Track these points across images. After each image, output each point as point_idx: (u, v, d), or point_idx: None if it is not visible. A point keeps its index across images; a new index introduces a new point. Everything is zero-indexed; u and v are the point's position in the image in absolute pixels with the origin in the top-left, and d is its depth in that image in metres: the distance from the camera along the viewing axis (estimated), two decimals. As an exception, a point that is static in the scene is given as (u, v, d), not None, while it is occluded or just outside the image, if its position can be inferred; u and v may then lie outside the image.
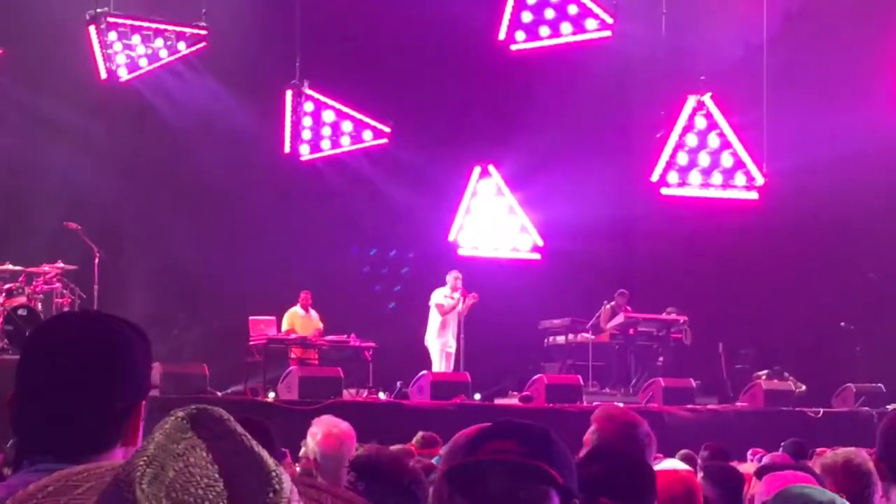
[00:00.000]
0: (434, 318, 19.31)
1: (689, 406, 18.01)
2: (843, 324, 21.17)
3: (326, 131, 21.83)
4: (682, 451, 9.61)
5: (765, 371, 20.85)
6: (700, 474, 6.56)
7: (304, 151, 21.78)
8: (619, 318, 20.40)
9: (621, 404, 17.20)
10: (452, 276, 19.38)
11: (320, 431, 6.06)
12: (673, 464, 5.93)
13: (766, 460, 7.14)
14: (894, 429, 3.76)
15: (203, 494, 1.27)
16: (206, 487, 1.27)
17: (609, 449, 4.31)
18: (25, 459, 2.33)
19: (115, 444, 2.34)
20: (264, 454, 1.31)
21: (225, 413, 1.32)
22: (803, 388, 20.37)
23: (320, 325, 19.05)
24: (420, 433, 10.22)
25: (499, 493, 2.51)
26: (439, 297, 19.29)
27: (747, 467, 6.39)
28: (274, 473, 1.29)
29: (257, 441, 1.32)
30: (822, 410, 18.42)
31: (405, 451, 6.26)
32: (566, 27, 21.16)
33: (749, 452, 10.42)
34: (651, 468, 3.94)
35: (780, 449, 9.30)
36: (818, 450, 8.74)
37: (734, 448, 10.50)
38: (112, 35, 19.95)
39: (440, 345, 19.20)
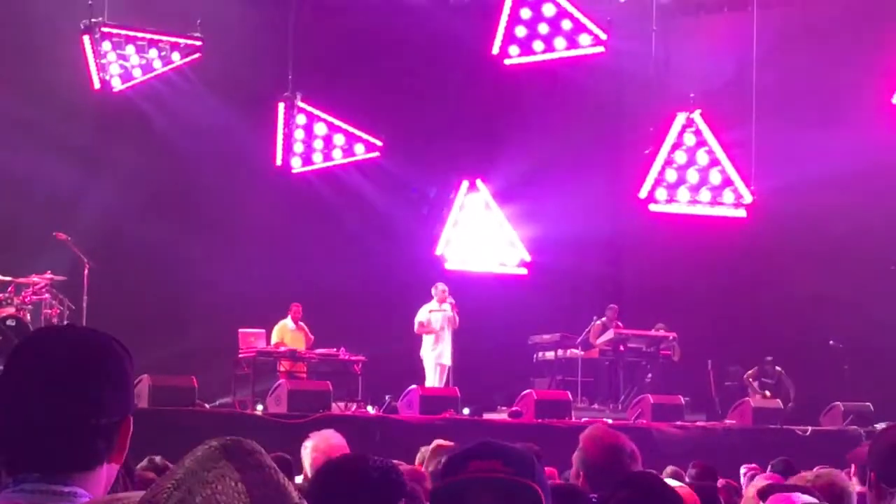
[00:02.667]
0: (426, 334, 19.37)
1: (677, 423, 18.02)
2: (831, 342, 21.22)
3: (318, 144, 21.86)
4: (669, 468, 9.61)
5: (754, 368, 20.94)
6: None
7: (296, 164, 21.81)
8: (609, 335, 20.43)
9: (610, 420, 17.31)
10: (438, 290, 19.41)
11: (310, 446, 6.08)
12: (672, 483, 5.96)
13: (758, 479, 7.15)
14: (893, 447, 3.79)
15: None
16: None
17: (637, 476, 4.34)
18: (10, 478, 2.27)
19: (103, 460, 2.30)
20: (290, 487, 1.35)
21: (257, 446, 1.35)
22: (791, 392, 20.61)
23: (310, 338, 19.06)
24: (423, 449, 10.04)
25: None
26: (423, 314, 19.30)
27: (756, 483, 6.39)
28: None
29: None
30: (810, 429, 18.44)
31: (415, 474, 6.17)
32: (560, 42, 21.20)
33: (743, 468, 10.42)
34: (677, 495, 3.97)
35: (769, 468, 9.31)
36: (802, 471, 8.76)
37: (722, 465, 10.51)
38: (106, 45, 19.94)
39: (433, 358, 19.23)
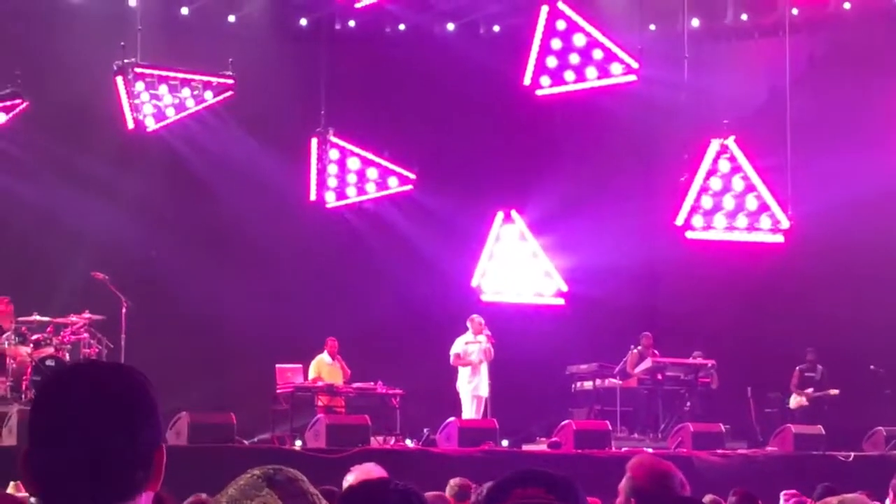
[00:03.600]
0: (462, 365, 19.35)
1: (718, 451, 17.89)
2: (871, 367, 21.06)
3: (352, 178, 21.91)
4: (709, 497, 9.50)
5: (796, 370, 20.86)
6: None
7: (330, 199, 21.86)
8: (647, 363, 20.33)
9: (650, 450, 17.19)
10: (474, 322, 19.37)
11: (351, 479, 6.05)
12: None
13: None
14: None
15: None
16: None
17: (685, 500, 4.32)
18: None
19: (142, 489, 2.30)
20: None
21: (299, 474, 1.36)
22: (836, 392, 20.63)
23: (347, 372, 19.06)
24: (452, 481, 10.07)
25: None
26: (459, 345, 19.28)
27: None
28: None
29: None
30: (852, 454, 18.26)
31: (440, 500, 6.19)
32: (591, 72, 21.17)
33: (782, 494, 10.32)
34: None
35: (815, 495, 9.22)
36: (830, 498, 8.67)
37: (764, 493, 10.42)
38: (139, 85, 20.08)
39: (470, 390, 19.18)
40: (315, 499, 1.37)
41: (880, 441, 18.91)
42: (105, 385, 2.34)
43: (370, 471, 6.11)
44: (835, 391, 20.82)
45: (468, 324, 19.41)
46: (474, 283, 22.09)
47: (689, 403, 20.53)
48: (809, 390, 20.93)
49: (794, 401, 21.00)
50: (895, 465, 16.69)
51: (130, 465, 2.29)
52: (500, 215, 22.52)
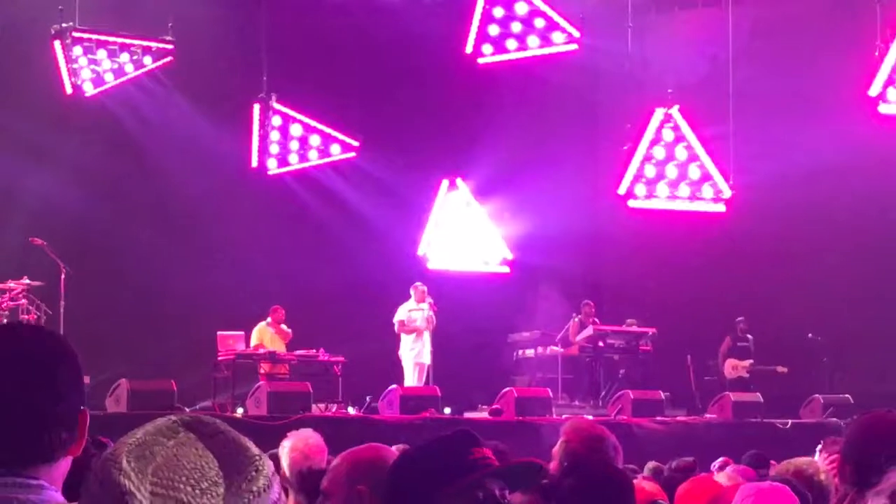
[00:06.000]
0: (405, 333, 19.39)
1: (658, 418, 18.06)
2: (809, 335, 21.29)
3: (294, 145, 21.77)
4: (651, 464, 9.59)
5: (726, 339, 21.04)
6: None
7: (272, 166, 21.72)
8: (588, 331, 20.45)
9: (591, 417, 17.29)
10: (417, 289, 19.48)
11: (288, 445, 6.03)
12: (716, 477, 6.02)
13: (729, 470, 7.15)
14: (866, 433, 3.78)
15: (188, 474, 1.39)
16: (191, 469, 1.40)
17: (583, 463, 4.34)
18: None
19: (64, 451, 2.31)
20: (249, 443, 1.46)
21: (215, 418, 1.41)
22: (785, 369, 20.85)
23: (288, 335, 19.02)
24: (394, 448, 10.03)
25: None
26: (402, 313, 19.37)
27: (721, 478, 6.40)
28: (257, 457, 1.47)
29: None
30: (790, 422, 18.48)
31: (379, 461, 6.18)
32: (533, 40, 21.19)
33: (715, 463, 10.40)
34: (626, 479, 3.97)
35: (742, 461, 9.29)
36: (773, 462, 8.75)
37: (703, 460, 10.50)
38: (77, 50, 19.83)
39: (412, 357, 19.25)
40: (231, 433, 1.42)
41: (818, 408, 19.15)
42: (27, 346, 2.34)
43: (307, 437, 6.09)
44: (783, 368, 20.97)
45: (411, 291, 19.53)
46: (420, 251, 22.08)
47: (622, 371, 20.71)
48: (748, 362, 21.09)
49: (730, 370, 21.12)
50: (832, 432, 16.92)
51: (55, 425, 2.28)
52: (444, 183, 22.51)
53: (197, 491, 1.36)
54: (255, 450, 1.43)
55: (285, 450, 5.93)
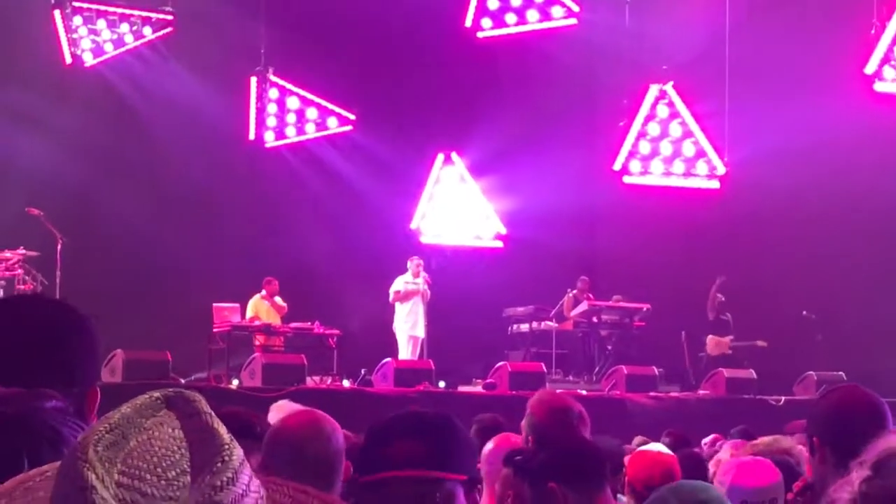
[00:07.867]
0: (399, 305, 19.45)
1: (651, 393, 18.12)
2: (804, 312, 21.34)
3: (291, 118, 21.80)
4: (638, 438, 9.62)
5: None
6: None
7: (269, 138, 21.75)
8: (583, 306, 20.50)
9: (584, 392, 17.38)
10: (413, 263, 19.56)
11: (274, 418, 6.05)
12: (657, 447, 6.01)
13: (728, 446, 7.21)
14: (840, 412, 3.79)
15: (157, 462, 1.34)
16: (161, 457, 1.35)
17: (551, 437, 4.36)
18: None
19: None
20: (222, 430, 1.40)
21: (199, 396, 1.39)
22: (764, 343, 20.93)
23: (284, 308, 19.05)
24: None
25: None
26: (399, 283, 19.44)
27: (723, 455, 6.46)
28: (226, 447, 1.39)
29: (238, 432, 1.40)
30: (783, 398, 18.55)
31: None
32: (532, 14, 21.20)
33: (706, 439, 10.48)
34: (596, 450, 3.98)
35: (729, 436, 9.36)
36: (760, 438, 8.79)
37: (696, 435, 10.57)
38: (77, 19, 19.82)
39: (406, 330, 19.31)
40: (207, 416, 1.40)
41: (811, 385, 19.20)
42: (47, 316, 2.33)
43: (289, 409, 6.13)
44: (762, 342, 21.06)
45: (408, 264, 19.56)
46: (413, 225, 22.12)
47: (609, 347, 20.72)
48: (729, 338, 21.09)
49: (713, 347, 21.07)
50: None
51: (63, 398, 2.24)
52: (440, 157, 22.52)
53: (162, 482, 1.33)
54: (226, 437, 1.39)
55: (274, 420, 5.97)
